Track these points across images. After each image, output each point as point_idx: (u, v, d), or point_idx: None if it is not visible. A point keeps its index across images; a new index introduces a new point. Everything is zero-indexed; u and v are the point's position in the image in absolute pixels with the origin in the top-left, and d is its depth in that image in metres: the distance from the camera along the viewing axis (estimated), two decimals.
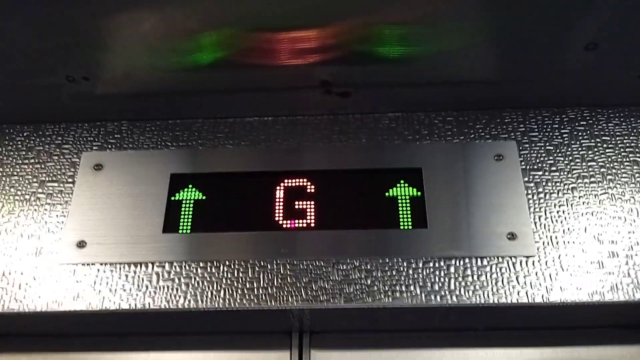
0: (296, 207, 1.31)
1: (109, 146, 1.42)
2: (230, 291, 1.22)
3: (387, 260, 1.24)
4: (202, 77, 1.33)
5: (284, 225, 1.29)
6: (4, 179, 1.38)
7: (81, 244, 1.29)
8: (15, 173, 1.39)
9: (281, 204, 1.32)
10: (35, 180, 1.38)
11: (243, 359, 1.33)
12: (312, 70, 1.31)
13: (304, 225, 1.29)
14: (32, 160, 1.41)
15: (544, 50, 1.24)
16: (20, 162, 1.41)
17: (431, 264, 1.23)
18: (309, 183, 1.34)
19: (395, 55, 1.28)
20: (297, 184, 1.34)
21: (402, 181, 1.32)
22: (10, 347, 1.36)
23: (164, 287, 1.23)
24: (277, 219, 1.30)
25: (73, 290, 1.24)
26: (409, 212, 1.29)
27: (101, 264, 1.26)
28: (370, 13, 1.17)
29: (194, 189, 1.35)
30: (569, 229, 1.25)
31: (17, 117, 1.44)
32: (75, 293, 1.24)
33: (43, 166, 1.40)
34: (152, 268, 1.25)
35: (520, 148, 1.35)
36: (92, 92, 1.36)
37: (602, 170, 1.32)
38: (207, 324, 1.31)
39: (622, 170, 1.31)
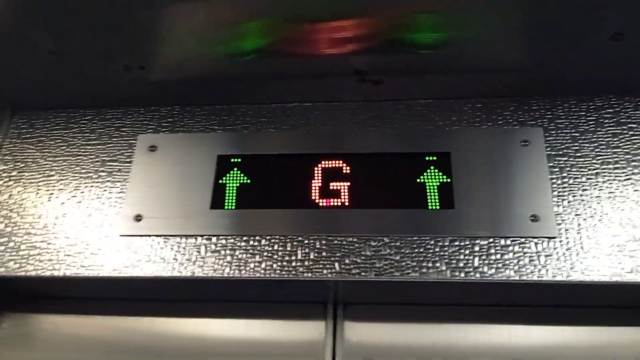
0: (331, 187, 1.40)
1: (163, 129, 1.55)
2: (270, 263, 1.34)
3: (416, 238, 1.32)
4: (246, 65, 1.43)
5: (320, 204, 1.39)
6: (71, 158, 1.53)
7: (138, 218, 1.43)
8: (80, 153, 1.54)
9: (318, 184, 1.41)
10: (97, 159, 1.52)
11: (282, 327, 1.44)
12: (346, 59, 1.38)
13: (339, 204, 1.38)
14: (95, 142, 1.55)
15: (571, 39, 1.28)
16: (85, 143, 1.55)
17: (457, 243, 1.30)
18: (344, 165, 1.42)
19: (425, 44, 1.34)
20: (333, 165, 1.43)
21: (431, 165, 1.39)
22: (76, 309, 1.51)
23: (210, 258, 1.35)
24: (313, 197, 1.39)
25: (131, 259, 1.38)
26: (437, 193, 1.36)
27: (156, 236, 1.39)
28: (401, 2, 1.23)
29: (238, 170, 1.45)
30: (591, 212, 1.30)
31: (82, 102, 1.58)
32: (133, 261, 1.37)
33: (104, 147, 1.54)
34: (200, 240, 1.38)
35: (547, 134, 1.40)
36: (147, 79, 1.48)
37: (627, 156, 1.35)
38: (249, 293, 1.43)
39: None
